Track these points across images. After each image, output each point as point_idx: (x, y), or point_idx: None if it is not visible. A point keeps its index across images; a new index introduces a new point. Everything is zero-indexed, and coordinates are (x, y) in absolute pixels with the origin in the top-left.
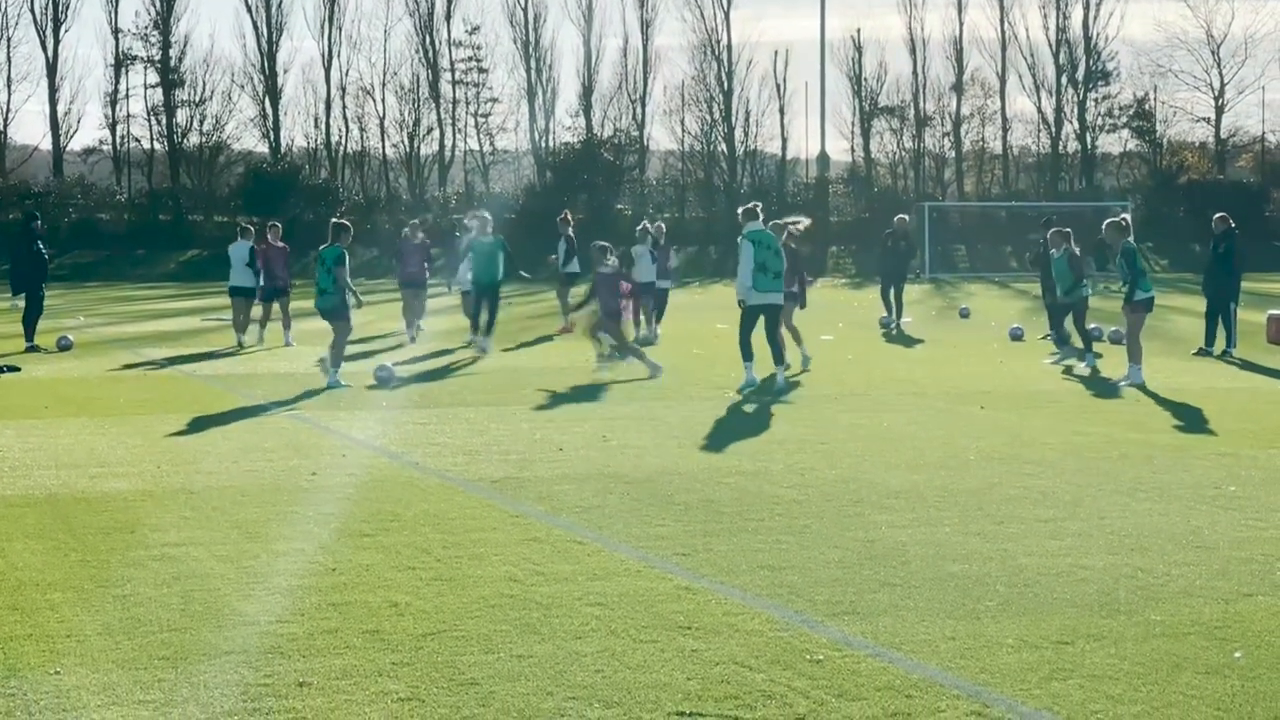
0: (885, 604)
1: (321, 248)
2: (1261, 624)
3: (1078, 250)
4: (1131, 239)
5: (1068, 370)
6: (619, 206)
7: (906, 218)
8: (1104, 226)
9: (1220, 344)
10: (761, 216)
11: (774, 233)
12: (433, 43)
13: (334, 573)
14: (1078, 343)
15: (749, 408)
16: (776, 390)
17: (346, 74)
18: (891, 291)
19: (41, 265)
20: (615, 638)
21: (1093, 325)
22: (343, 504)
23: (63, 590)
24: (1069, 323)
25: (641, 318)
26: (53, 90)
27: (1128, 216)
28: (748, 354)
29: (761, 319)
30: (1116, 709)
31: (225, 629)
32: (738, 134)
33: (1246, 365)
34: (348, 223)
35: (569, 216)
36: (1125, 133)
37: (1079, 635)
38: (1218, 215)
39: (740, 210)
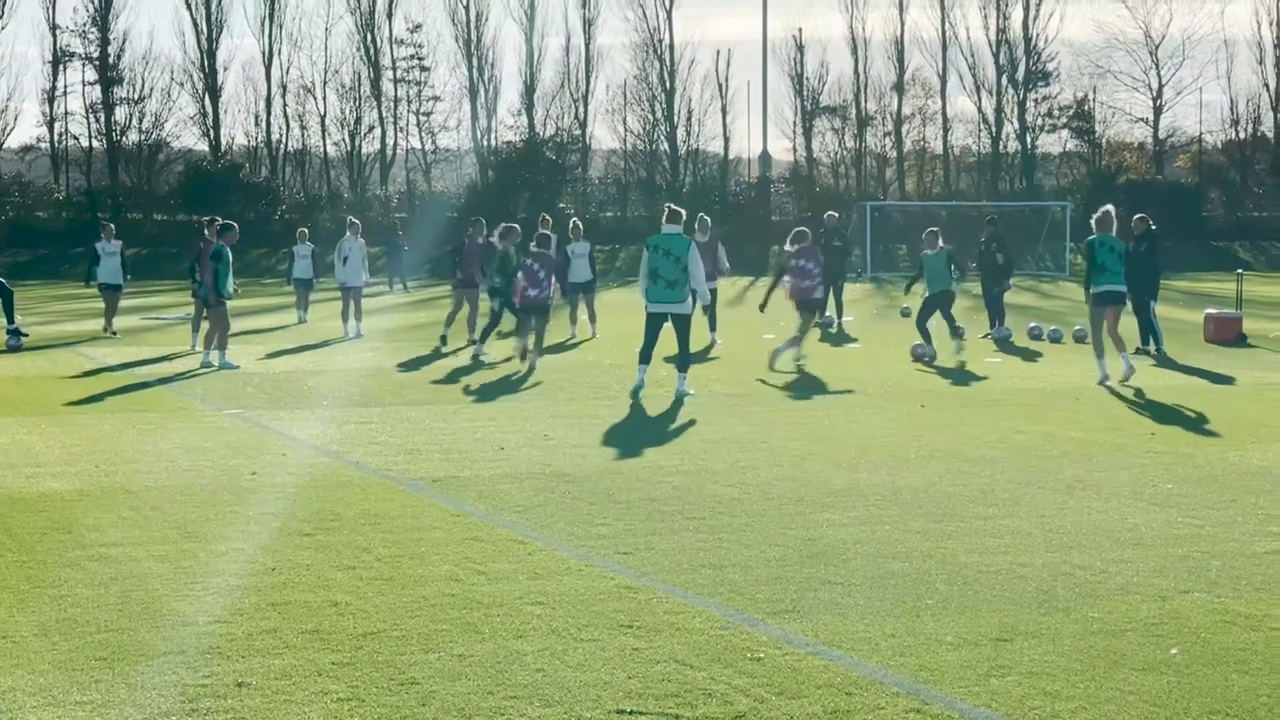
0: (826, 602)
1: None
2: (1197, 621)
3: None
4: (1097, 233)
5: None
6: (561, 205)
7: (836, 215)
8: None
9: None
10: (681, 219)
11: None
12: (374, 40)
13: (274, 572)
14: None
15: (689, 407)
16: (677, 397)
17: (287, 72)
18: (830, 290)
19: None
20: (556, 637)
21: (1032, 323)
22: (283, 503)
23: None
24: (919, 313)
25: (582, 316)
26: None
27: (1109, 209)
28: (641, 357)
29: (669, 327)
30: (1054, 705)
31: (163, 629)
32: (680, 133)
33: (1182, 364)
34: (234, 223)
35: (548, 219)
36: (1065, 133)
37: (1018, 632)
38: (1137, 216)
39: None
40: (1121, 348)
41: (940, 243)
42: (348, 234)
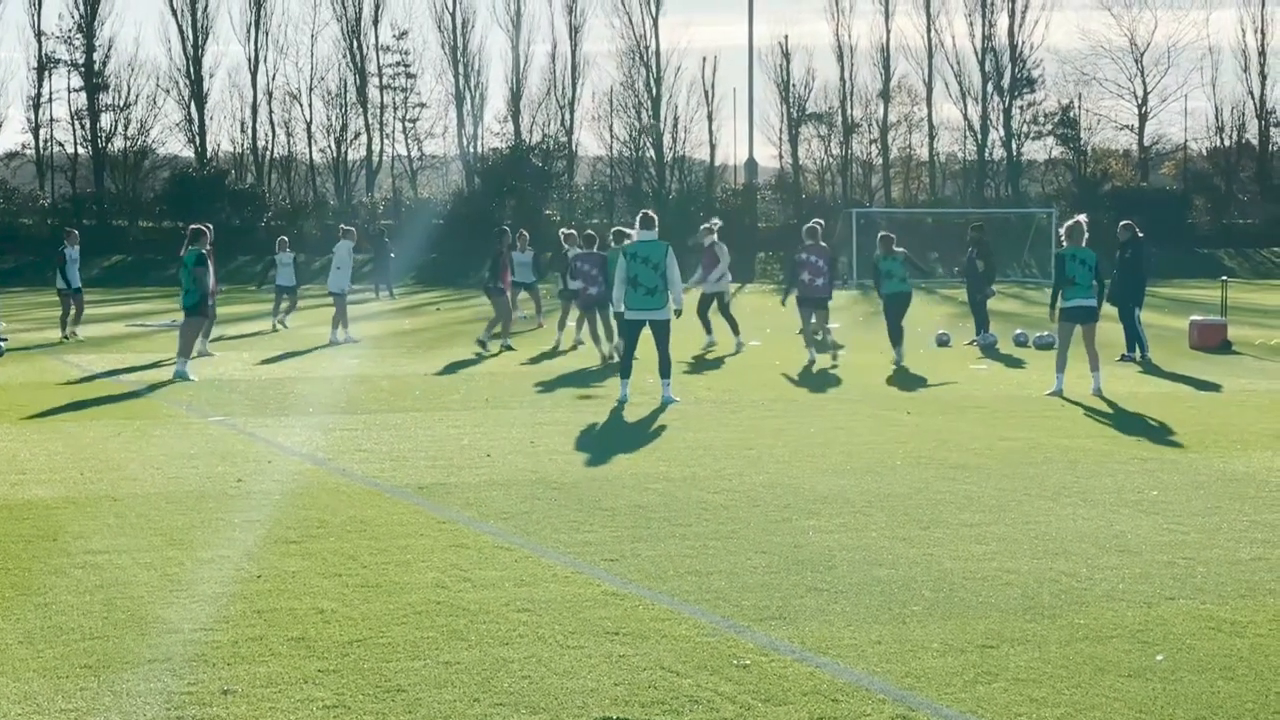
0: (812, 608)
1: (182, 252)
2: (1183, 627)
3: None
4: (1068, 246)
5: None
6: (547, 212)
7: (822, 222)
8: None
9: (1135, 350)
10: (655, 224)
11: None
12: (360, 47)
13: (259, 580)
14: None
15: (675, 414)
16: (663, 404)
17: (273, 78)
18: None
19: None
20: (542, 644)
21: (1018, 330)
22: (269, 511)
23: None
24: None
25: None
26: None
27: (1080, 219)
28: (622, 371)
29: (648, 332)
30: (1040, 712)
31: (149, 637)
32: (666, 140)
33: (1168, 371)
34: (205, 227)
35: (526, 235)
36: (1050, 140)
37: (1003, 639)
38: (1123, 223)
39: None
40: (1096, 366)
41: (895, 245)
42: (345, 240)
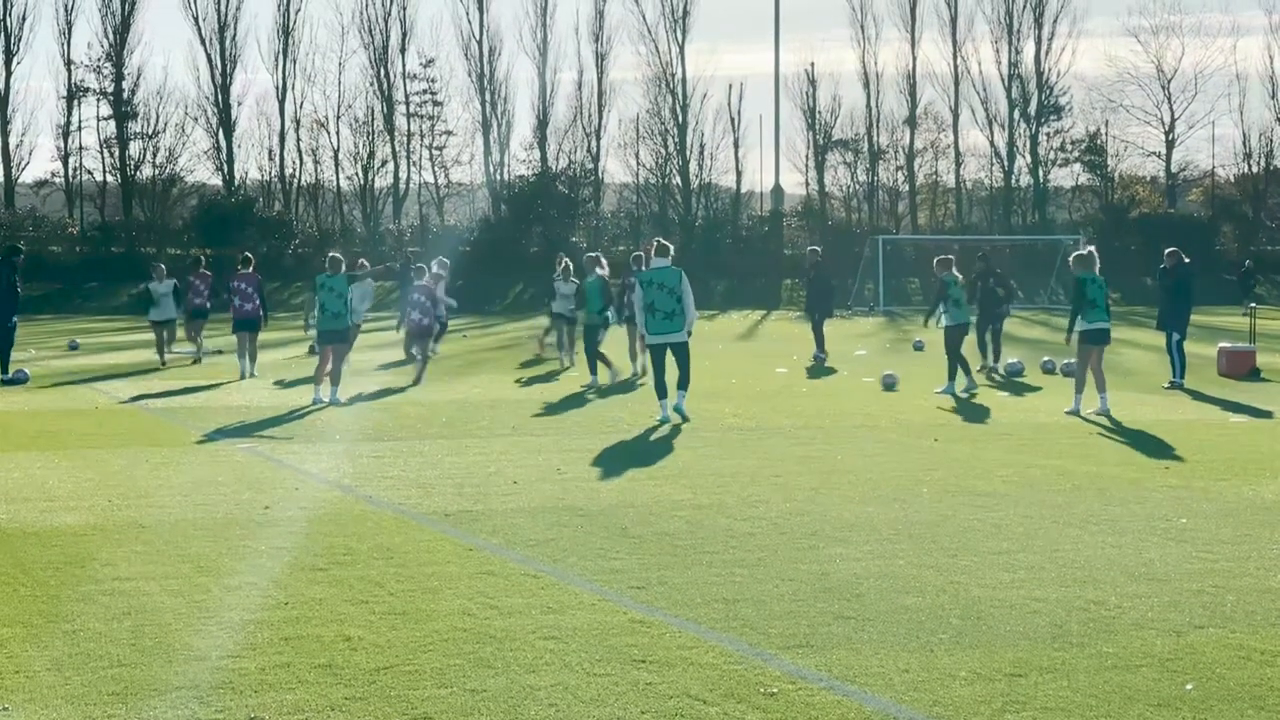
0: (839, 637)
1: (327, 276)
2: (1212, 656)
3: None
4: (1085, 271)
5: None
6: (573, 239)
7: (818, 249)
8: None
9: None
10: (669, 252)
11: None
12: (387, 75)
13: (286, 607)
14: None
15: (702, 441)
16: (660, 423)
17: (300, 106)
18: (821, 323)
19: (14, 298)
20: (569, 671)
21: (1046, 358)
22: (296, 538)
23: (11, 626)
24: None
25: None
26: (4, 123)
27: (1092, 249)
28: (658, 391)
29: (669, 354)
30: None
31: (176, 664)
32: (692, 167)
33: (1198, 397)
34: (340, 256)
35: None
36: (1077, 167)
37: (1031, 667)
38: (1169, 250)
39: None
40: (1103, 387)
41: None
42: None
